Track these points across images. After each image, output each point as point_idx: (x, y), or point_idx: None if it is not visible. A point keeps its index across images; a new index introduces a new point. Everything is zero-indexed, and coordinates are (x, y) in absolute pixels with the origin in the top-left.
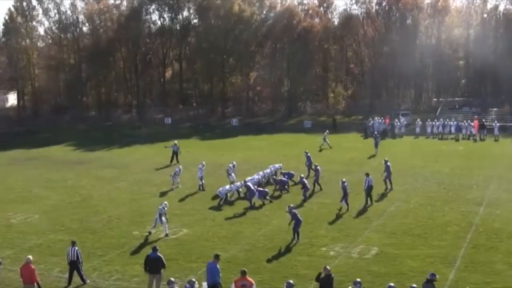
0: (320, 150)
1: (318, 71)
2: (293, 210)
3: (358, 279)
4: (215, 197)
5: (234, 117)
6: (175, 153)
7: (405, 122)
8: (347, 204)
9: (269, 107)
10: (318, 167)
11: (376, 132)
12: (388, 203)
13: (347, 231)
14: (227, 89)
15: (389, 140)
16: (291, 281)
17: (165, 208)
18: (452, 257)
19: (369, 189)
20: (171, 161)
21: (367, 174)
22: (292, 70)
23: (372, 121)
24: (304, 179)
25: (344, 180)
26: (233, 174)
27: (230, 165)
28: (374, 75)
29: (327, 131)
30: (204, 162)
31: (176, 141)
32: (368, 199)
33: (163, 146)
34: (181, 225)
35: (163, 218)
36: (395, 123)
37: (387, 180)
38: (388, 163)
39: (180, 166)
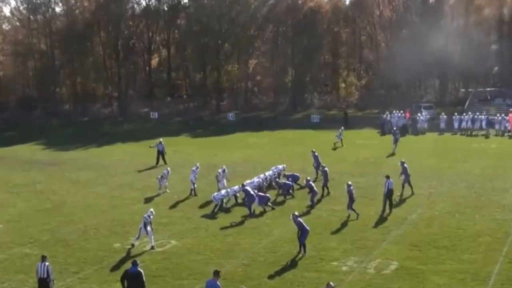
0: (335, 148)
1: (327, 58)
2: (299, 219)
3: None
4: (209, 203)
5: (230, 111)
6: (161, 153)
7: (428, 116)
8: (354, 211)
9: (270, 99)
10: (325, 168)
11: (395, 128)
12: (409, 210)
13: (362, 243)
14: (222, 79)
15: (410, 137)
16: None
17: (151, 217)
18: (486, 273)
19: (389, 194)
20: (157, 162)
21: (387, 177)
22: (297, 57)
23: (389, 116)
24: (311, 182)
25: (350, 183)
26: (223, 181)
27: (220, 170)
28: (391, 63)
29: (342, 127)
30: (198, 164)
31: (161, 139)
32: (387, 205)
33: (148, 146)
34: (169, 236)
35: (148, 228)
36: (417, 118)
37: (406, 184)
38: (405, 165)
39: (168, 168)
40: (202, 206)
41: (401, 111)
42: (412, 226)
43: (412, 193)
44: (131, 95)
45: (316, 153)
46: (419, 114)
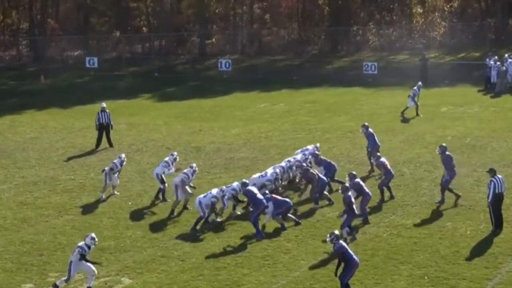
0: (406, 120)
1: None
2: (342, 243)
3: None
4: (188, 214)
5: (223, 55)
6: (104, 128)
7: None
8: (350, 231)
9: (293, 35)
10: (381, 160)
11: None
12: None
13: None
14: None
15: None
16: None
17: (91, 247)
18: None
19: (497, 200)
20: (98, 143)
21: (493, 172)
22: None
23: (495, 62)
24: (358, 180)
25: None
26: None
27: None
28: None
29: (420, 83)
30: (176, 154)
31: (103, 104)
32: (492, 219)
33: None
34: (120, 270)
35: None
36: None
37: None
38: (447, 153)
39: (123, 156)
40: (175, 220)
41: None
42: None
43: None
44: (51, 27)
45: (370, 130)
46: None
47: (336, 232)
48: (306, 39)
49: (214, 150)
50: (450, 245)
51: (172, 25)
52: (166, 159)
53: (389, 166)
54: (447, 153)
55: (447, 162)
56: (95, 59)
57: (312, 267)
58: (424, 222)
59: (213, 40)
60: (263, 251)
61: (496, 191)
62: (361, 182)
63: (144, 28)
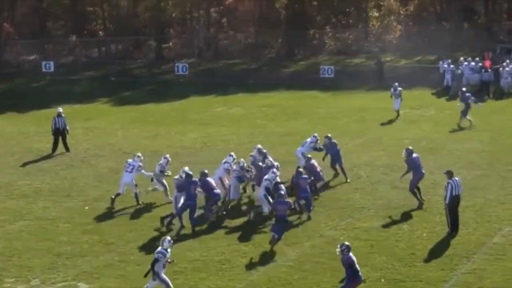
0: (361, 123)
1: None
2: (351, 255)
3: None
4: (147, 219)
5: (180, 59)
6: (60, 133)
7: None
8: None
9: (250, 39)
10: (312, 161)
11: (464, 89)
12: (488, 230)
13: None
14: (166, 2)
15: (490, 102)
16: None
17: (168, 251)
18: None
19: (453, 203)
20: (54, 148)
21: (450, 174)
22: None
23: (449, 65)
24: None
25: (301, 169)
26: (158, 184)
27: (162, 161)
28: None
29: (396, 84)
30: (139, 154)
31: (60, 109)
32: (449, 221)
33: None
34: (76, 275)
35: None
36: (502, 68)
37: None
38: (414, 155)
39: (167, 156)
40: (132, 224)
41: (476, 59)
42: (493, 257)
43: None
44: (6, 31)
45: (333, 140)
46: (506, 63)
47: (347, 243)
48: (263, 43)
49: (171, 154)
50: (406, 247)
51: (129, 29)
52: (131, 161)
53: (318, 169)
54: (414, 155)
55: (414, 164)
56: (51, 64)
57: (269, 271)
58: (381, 225)
59: (170, 44)
60: (220, 255)
61: (453, 193)
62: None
63: (100, 32)
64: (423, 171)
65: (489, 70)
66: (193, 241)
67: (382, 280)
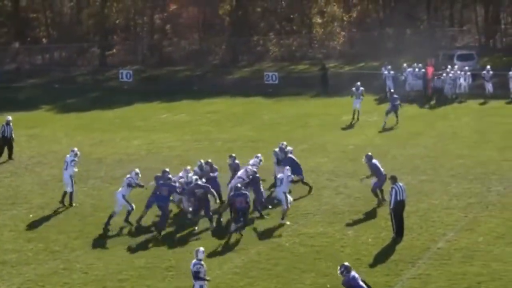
0: (306, 129)
1: None
2: (352, 276)
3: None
4: (93, 226)
5: (124, 65)
6: (7, 141)
7: (467, 73)
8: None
9: (194, 45)
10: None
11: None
12: (431, 236)
13: None
14: (109, 9)
15: (434, 110)
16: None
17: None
18: None
19: (398, 207)
20: None
21: (394, 179)
22: None
23: (389, 72)
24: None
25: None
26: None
27: (130, 176)
28: None
29: (358, 83)
30: (75, 149)
31: (9, 117)
32: (394, 226)
33: None
34: (22, 282)
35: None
36: (445, 75)
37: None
38: (374, 160)
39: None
40: (78, 231)
41: (419, 65)
42: (438, 262)
43: (382, 200)
44: None
45: (284, 148)
46: (449, 68)
47: (346, 264)
48: (207, 50)
49: (115, 161)
50: (352, 253)
51: (72, 36)
52: (69, 157)
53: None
54: (373, 160)
55: (376, 169)
56: None
57: (216, 278)
58: (326, 231)
59: (114, 50)
60: (166, 262)
61: (398, 198)
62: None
63: (44, 39)
64: (385, 174)
65: (441, 77)
66: (140, 248)
67: (328, 286)
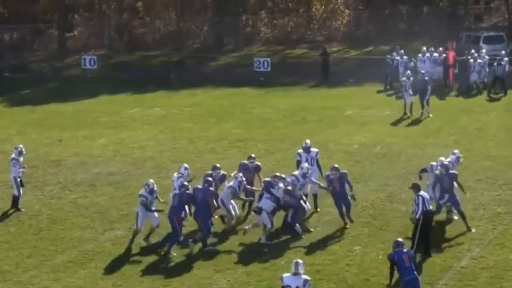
0: (303, 125)
1: None
2: None
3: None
4: (49, 241)
5: (87, 50)
6: None
7: (504, 58)
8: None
9: (171, 27)
10: (240, 179)
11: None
12: (455, 252)
13: None
14: None
15: (456, 100)
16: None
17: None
18: None
19: (425, 220)
20: None
21: (416, 188)
22: None
23: (402, 57)
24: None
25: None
26: None
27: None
28: None
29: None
30: (21, 147)
31: None
32: (416, 239)
33: None
34: None
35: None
36: (471, 61)
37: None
38: (442, 168)
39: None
40: (31, 248)
41: (439, 49)
42: (461, 283)
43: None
44: None
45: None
46: (472, 54)
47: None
48: (186, 31)
49: (77, 164)
50: (359, 272)
51: (26, 15)
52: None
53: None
54: (342, 171)
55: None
56: None
57: None
58: (329, 246)
59: (75, 32)
60: (138, 284)
61: (423, 207)
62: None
63: None
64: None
65: (502, 64)
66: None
67: None
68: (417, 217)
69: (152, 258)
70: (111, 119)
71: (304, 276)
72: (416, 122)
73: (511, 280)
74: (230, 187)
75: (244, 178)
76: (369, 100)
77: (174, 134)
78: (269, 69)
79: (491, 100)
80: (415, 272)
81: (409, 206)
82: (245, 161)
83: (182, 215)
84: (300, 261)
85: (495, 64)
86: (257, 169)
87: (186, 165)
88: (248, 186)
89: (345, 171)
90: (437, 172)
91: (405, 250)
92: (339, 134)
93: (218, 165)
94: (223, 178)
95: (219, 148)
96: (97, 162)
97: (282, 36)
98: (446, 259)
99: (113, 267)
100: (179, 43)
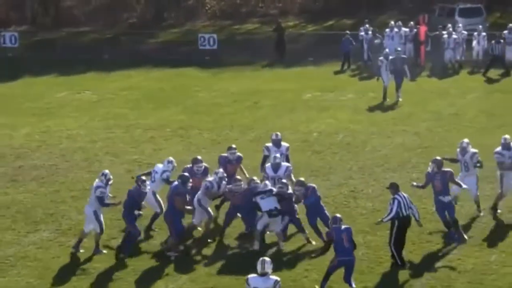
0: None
1: None
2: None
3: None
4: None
5: (7, 26)
6: None
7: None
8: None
9: None
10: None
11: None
12: (425, 255)
13: None
14: None
15: (431, 81)
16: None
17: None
18: None
19: (398, 229)
20: None
21: (395, 188)
22: None
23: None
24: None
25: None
26: None
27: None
28: None
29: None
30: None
31: None
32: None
33: None
34: None
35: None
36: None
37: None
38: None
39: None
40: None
41: (409, 24)
42: None
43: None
44: None
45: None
46: (447, 29)
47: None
48: (121, 4)
49: None
50: (319, 277)
51: None
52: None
53: None
54: (309, 184)
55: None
56: None
57: None
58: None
59: None
60: None
61: (402, 213)
62: None
63: None
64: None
65: (501, 42)
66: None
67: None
68: (384, 220)
69: (89, 265)
70: (35, 105)
71: (273, 277)
72: (384, 107)
73: (492, 285)
74: (205, 183)
75: (225, 174)
76: (330, 82)
77: (107, 121)
78: (215, 47)
79: (475, 81)
80: (353, 253)
81: (376, 202)
82: (225, 154)
83: (136, 213)
84: (267, 258)
85: (493, 42)
86: (239, 160)
87: (171, 158)
88: (229, 186)
89: (313, 185)
90: (429, 169)
91: (343, 228)
92: (296, 120)
93: (199, 157)
94: (205, 172)
95: (159, 138)
96: (19, 154)
97: (230, 9)
98: (418, 262)
99: (39, 275)
100: (113, 17)
